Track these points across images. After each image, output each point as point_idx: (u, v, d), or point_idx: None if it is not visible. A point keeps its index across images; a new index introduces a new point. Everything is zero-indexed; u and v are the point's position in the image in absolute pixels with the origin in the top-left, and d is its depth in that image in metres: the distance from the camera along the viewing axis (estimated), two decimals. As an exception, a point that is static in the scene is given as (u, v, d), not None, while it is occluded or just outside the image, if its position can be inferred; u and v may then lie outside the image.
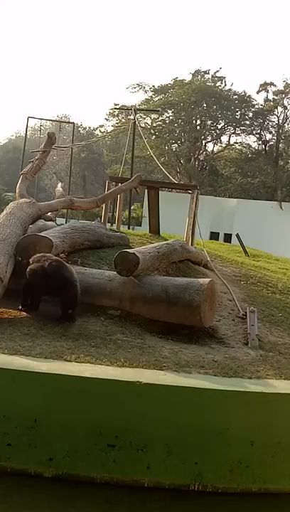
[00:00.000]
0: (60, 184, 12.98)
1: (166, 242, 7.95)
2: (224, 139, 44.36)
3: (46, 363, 4.68)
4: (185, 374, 4.95)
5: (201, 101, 40.56)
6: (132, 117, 18.53)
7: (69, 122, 38.69)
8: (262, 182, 40.20)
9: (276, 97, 41.12)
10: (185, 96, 40.43)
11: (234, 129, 42.96)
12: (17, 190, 8.58)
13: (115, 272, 6.28)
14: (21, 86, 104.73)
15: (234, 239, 20.02)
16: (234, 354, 5.82)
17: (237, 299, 7.59)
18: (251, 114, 42.06)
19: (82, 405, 4.46)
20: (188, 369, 5.08)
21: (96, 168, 48.35)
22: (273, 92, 41.21)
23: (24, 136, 24.16)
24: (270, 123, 42.17)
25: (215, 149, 45.08)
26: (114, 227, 12.18)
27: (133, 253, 6.23)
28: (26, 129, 23.32)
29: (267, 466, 4.62)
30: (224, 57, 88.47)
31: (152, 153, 22.77)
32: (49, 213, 9.11)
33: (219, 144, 44.77)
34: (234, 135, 43.67)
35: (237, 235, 13.98)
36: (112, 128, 44.01)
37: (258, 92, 42.00)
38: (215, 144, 44.69)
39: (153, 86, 43.36)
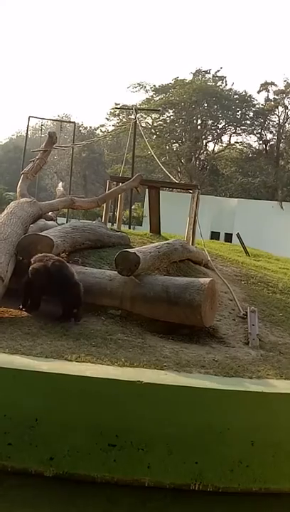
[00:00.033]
0: (60, 184, 13.00)
1: (167, 241, 7.95)
2: (225, 138, 44.40)
3: (47, 363, 4.69)
4: (186, 374, 4.95)
5: (202, 100, 40.56)
6: (133, 117, 18.53)
7: (70, 122, 38.68)
8: (263, 182, 40.18)
9: (276, 97, 41.09)
10: (186, 95, 40.42)
11: (235, 129, 42.93)
12: (18, 190, 8.58)
13: (116, 272, 6.29)
14: (22, 85, 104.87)
15: (234, 238, 20.02)
16: (235, 354, 5.82)
17: (238, 298, 7.59)
18: (252, 114, 42.03)
19: (82, 405, 4.46)
20: (189, 369, 5.08)
21: (97, 168, 48.36)
22: (274, 92, 41.19)
23: (25, 135, 24.18)
24: (271, 123, 42.15)
25: (216, 149, 45.07)
26: (115, 226, 12.18)
27: (134, 253, 6.23)
28: (27, 128, 23.42)
29: (268, 466, 4.63)
30: (225, 57, 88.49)
31: (153, 153, 22.77)
32: (50, 213, 9.12)
33: (219, 144, 44.78)
34: (234, 135, 43.69)
35: (238, 235, 13.98)
36: (113, 127, 44.00)
37: (259, 92, 42.01)
38: (215, 143, 44.69)
39: (154, 85, 43.35)
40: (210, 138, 43.97)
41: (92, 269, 6.83)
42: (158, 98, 42.58)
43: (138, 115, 19.18)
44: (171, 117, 43.10)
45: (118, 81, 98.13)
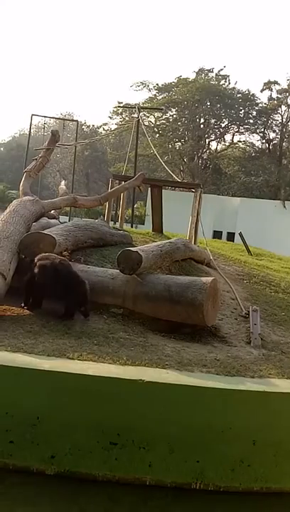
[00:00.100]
0: (63, 182, 13.01)
1: (169, 240, 7.95)
2: (228, 137, 44.44)
3: (49, 361, 4.69)
4: (188, 372, 4.95)
5: (205, 99, 40.56)
6: (136, 115, 18.50)
7: (73, 120, 38.60)
8: (265, 181, 40.16)
9: (280, 96, 41.10)
10: (189, 94, 40.41)
11: (238, 128, 42.94)
12: (20, 188, 8.58)
13: (118, 270, 6.29)
14: (25, 84, 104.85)
15: (237, 238, 20.03)
16: (237, 353, 5.82)
17: (240, 297, 7.58)
18: (254, 113, 42.04)
19: (84, 403, 4.46)
20: (191, 367, 5.08)
21: (99, 167, 48.34)
22: (277, 91, 41.23)
23: (28, 133, 24.14)
24: (274, 122, 42.15)
25: (219, 148, 45.11)
26: (117, 225, 12.19)
27: (136, 251, 6.23)
28: (30, 126, 23.36)
29: (269, 465, 4.62)
30: (228, 56, 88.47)
31: (155, 152, 22.76)
32: (52, 211, 9.12)
33: (222, 143, 44.82)
34: (237, 134, 43.72)
35: (240, 234, 13.99)
36: (116, 126, 44.03)
37: (262, 91, 42.09)
38: (218, 142, 44.72)
39: (157, 84, 43.41)
40: (212, 137, 43.99)
41: (94, 267, 6.83)
42: (161, 97, 42.62)
43: (141, 114, 19.13)
44: (174, 116, 43.12)
45: (121, 80, 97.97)
